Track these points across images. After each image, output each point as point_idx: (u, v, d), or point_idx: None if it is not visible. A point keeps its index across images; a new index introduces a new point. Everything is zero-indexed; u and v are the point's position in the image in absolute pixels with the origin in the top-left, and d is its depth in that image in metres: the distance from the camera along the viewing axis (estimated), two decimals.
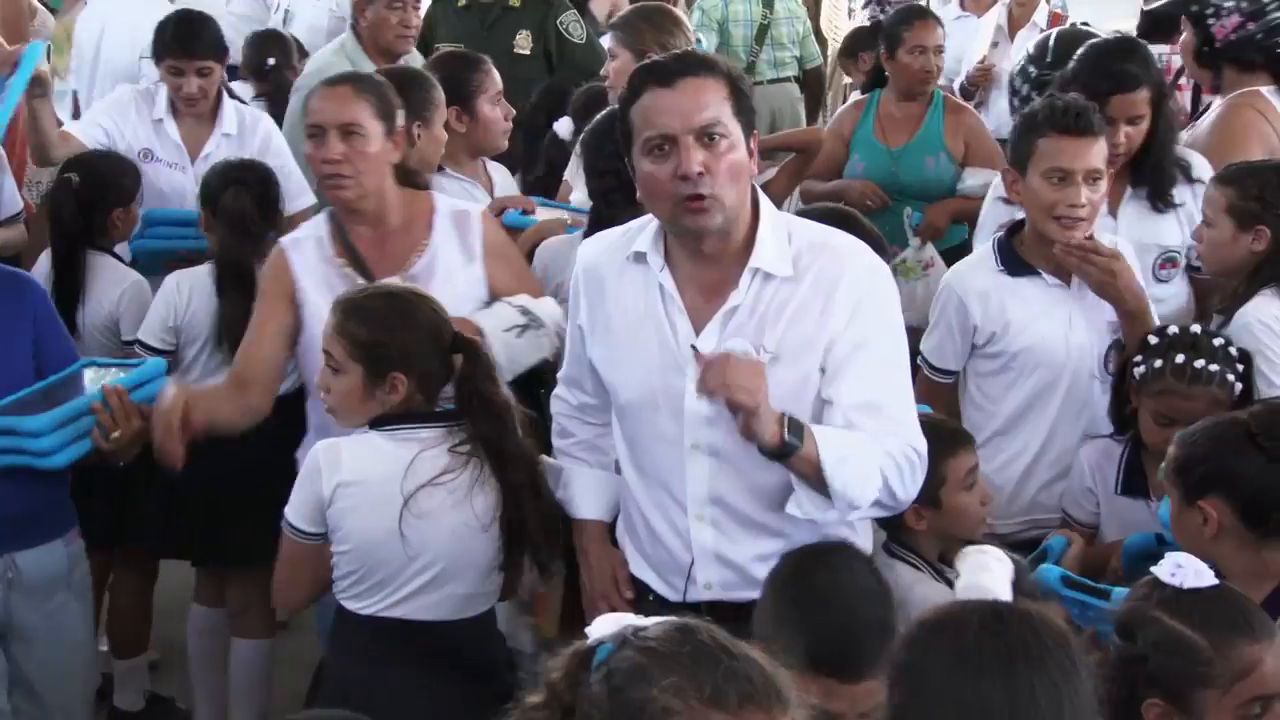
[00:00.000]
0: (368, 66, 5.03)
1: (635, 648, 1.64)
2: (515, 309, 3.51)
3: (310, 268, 3.51)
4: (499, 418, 3.05)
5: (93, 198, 4.37)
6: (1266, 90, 4.40)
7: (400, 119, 3.55)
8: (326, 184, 3.49)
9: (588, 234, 3.76)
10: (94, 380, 3.35)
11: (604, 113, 3.91)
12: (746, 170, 2.73)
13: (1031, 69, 4.69)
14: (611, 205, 3.62)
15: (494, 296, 3.57)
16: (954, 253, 5.14)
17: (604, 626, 1.68)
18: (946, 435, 3.22)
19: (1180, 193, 3.89)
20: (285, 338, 3.51)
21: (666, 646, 1.63)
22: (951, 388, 3.70)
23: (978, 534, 3.33)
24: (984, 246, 3.72)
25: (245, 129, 4.98)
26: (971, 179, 5.34)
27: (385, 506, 2.99)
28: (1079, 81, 3.86)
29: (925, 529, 3.20)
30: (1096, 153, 3.44)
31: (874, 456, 2.69)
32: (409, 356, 3.04)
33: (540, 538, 3.09)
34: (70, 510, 3.47)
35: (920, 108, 5.50)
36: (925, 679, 1.83)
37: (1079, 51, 4.08)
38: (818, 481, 2.64)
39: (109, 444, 3.22)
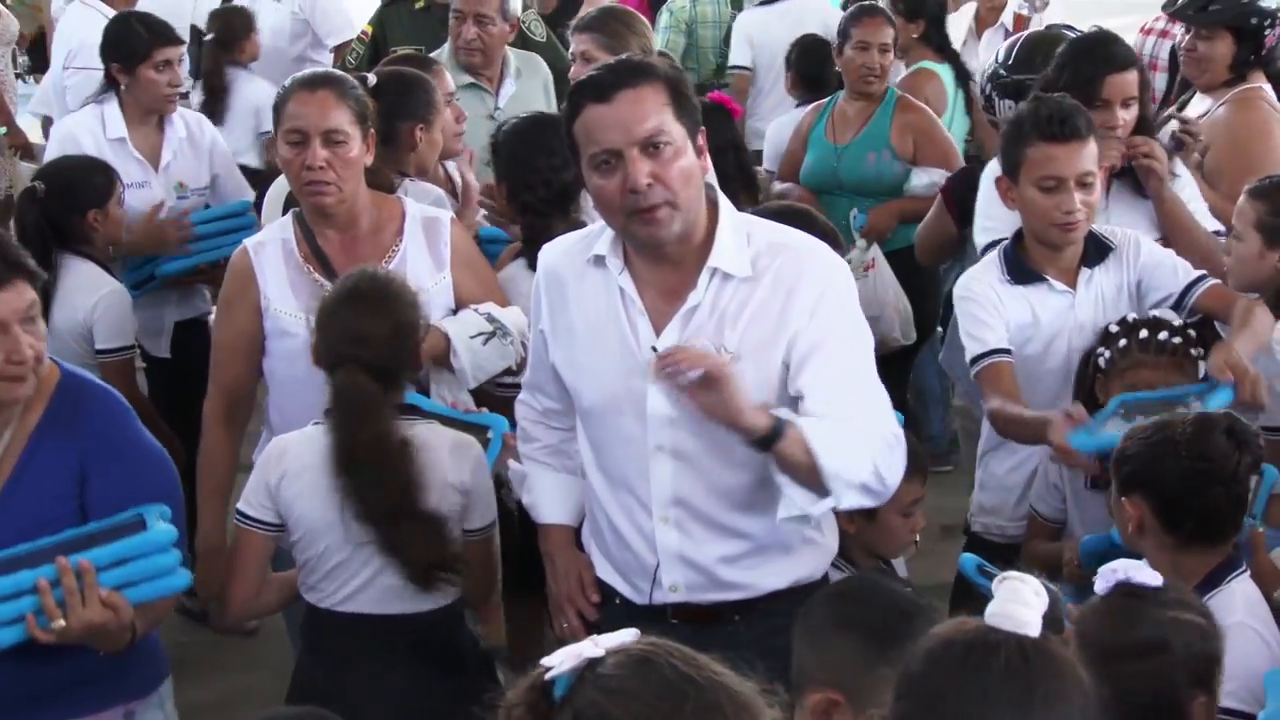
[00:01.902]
0: (462, 78, 5.04)
1: (599, 689, 1.59)
2: (482, 316, 3.54)
3: (275, 271, 3.52)
4: (352, 439, 3.04)
5: (61, 205, 4.33)
6: (1265, 86, 4.49)
7: (371, 121, 3.54)
8: (306, 190, 3.45)
9: (529, 249, 3.80)
10: (115, 531, 2.72)
11: (535, 126, 3.92)
12: (697, 171, 2.72)
13: (1001, 72, 4.70)
14: (543, 217, 3.74)
15: (461, 304, 3.58)
16: (902, 255, 5.16)
17: (560, 659, 1.63)
18: (910, 459, 3.20)
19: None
20: (258, 350, 3.56)
21: (631, 686, 1.58)
22: (1012, 365, 3.49)
23: (898, 555, 3.35)
24: (990, 256, 3.65)
25: (193, 130, 4.94)
26: (919, 179, 5.33)
27: (325, 495, 3.04)
28: (1070, 69, 3.84)
29: (853, 533, 3.21)
30: (1087, 156, 3.41)
31: (860, 436, 2.68)
32: (339, 340, 3.09)
33: (414, 556, 3.05)
34: (94, 696, 2.86)
35: (872, 106, 5.49)
36: (939, 699, 1.80)
37: (1061, 47, 4.07)
38: (808, 470, 2.62)
39: (45, 634, 2.62)
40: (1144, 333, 3.31)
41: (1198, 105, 4.62)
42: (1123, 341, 3.33)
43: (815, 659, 2.31)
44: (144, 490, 2.78)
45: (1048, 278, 3.51)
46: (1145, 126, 3.89)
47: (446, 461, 3.11)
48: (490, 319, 3.54)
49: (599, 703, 1.58)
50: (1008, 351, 3.48)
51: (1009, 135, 3.52)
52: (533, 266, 3.76)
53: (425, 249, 3.56)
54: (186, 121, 4.93)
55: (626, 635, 1.66)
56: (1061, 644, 1.87)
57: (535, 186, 3.81)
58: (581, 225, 3.64)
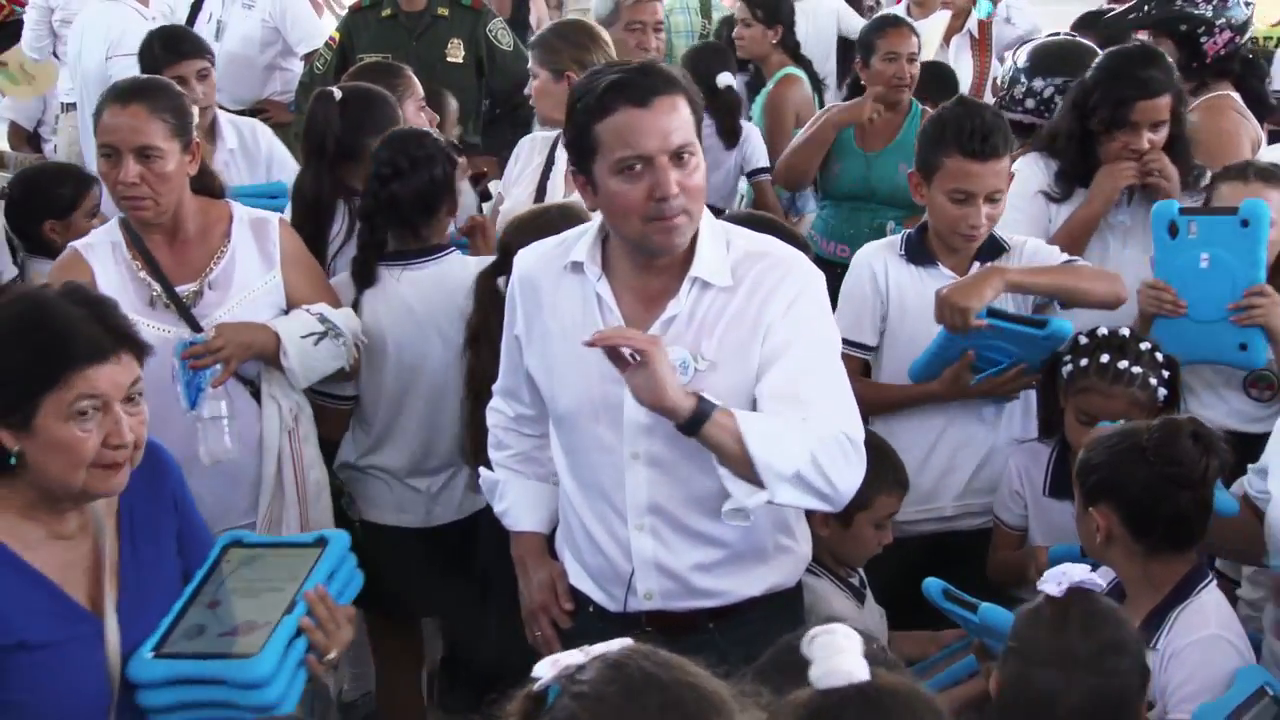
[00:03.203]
0: None
1: (572, 695, 1.61)
2: (313, 317, 3.56)
3: (108, 272, 3.50)
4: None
5: (21, 213, 4.32)
6: (1233, 94, 4.57)
7: (195, 128, 3.53)
8: (123, 203, 3.45)
9: (356, 259, 3.82)
10: (241, 565, 2.62)
11: (386, 136, 3.90)
12: (705, 185, 2.75)
13: (1022, 79, 4.70)
14: (375, 230, 3.78)
15: (292, 304, 3.59)
16: None
17: (545, 669, 1.64)
18: (890, 471, 3.26)
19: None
20: None
21: (598, 689, 1.61)
22: (862, 363, 3.68)
23: (860, 564, 3.38)
24: (895, 236, 3.78)
25: (247, 140, 4.87)
26: None
27: None
28: (1103, 88, 3.90)
29: (825, 536, 3.23)
30: (999, 173, 3.51)
31: (797, 431, 2.65)
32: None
33: None
34: None
35: (899, 117, 5.50)
36: None
37: (1098, 60, 4.10)
38: (740, 460, 2.61)
39: (322, 667, 2.53)
40: (1105, 357, 3.32)
41: None
42: (1084, 361, 3.35)
43: None
44: (205, 529, 2.73)
45: (939, 264, 3.62)
46: (1179, 148, 3.93)
47: None
48: (322, 319, 3.56)
49: (569, 708, 1.60)
50: (867, 349, 3.69)
51: (929, 134, 3.60)
52: (355, 276, 3.80)
53: (254, 249, 3.58)
54: (239, 130, 4.87)
55: (615, 644, 1.67)
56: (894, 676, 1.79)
57: (365, 195, 3.83)
58: (430, 246, 3.75)
